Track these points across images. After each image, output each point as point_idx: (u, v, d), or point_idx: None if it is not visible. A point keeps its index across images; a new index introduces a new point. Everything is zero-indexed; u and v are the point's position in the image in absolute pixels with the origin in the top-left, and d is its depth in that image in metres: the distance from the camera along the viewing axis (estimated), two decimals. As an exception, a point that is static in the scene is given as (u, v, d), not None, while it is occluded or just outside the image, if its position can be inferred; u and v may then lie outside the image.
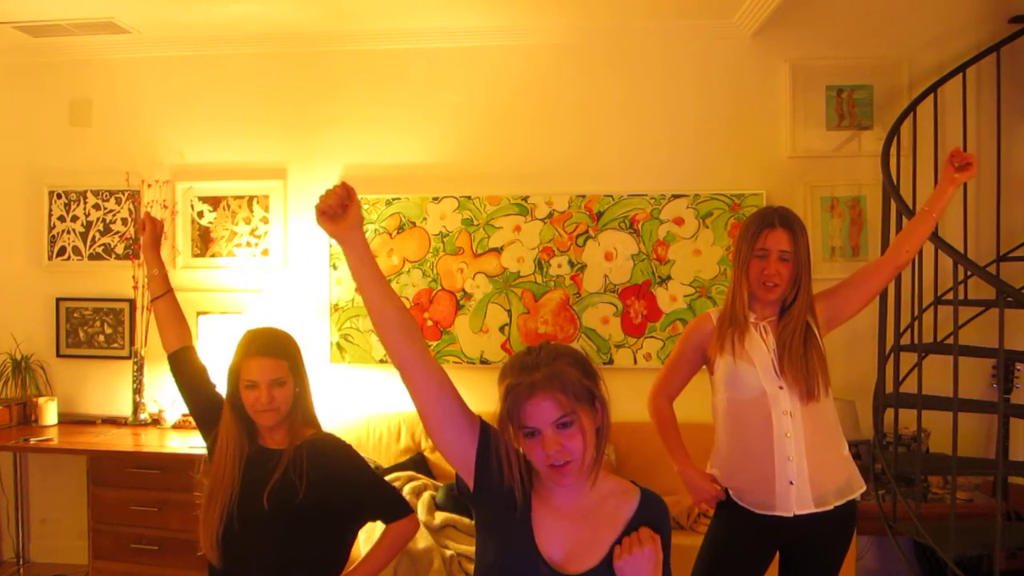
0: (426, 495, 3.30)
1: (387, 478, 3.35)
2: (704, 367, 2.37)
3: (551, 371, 1.45)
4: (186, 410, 3.89)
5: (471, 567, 2.91)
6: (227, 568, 1.96)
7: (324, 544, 2.00)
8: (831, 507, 2.17)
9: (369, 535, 3.04)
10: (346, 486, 1.98)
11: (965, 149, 3.48)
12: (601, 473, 1.55)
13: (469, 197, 3.87)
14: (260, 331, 2.06)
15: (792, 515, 2.16)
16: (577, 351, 1.55)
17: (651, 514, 1.54)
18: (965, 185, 3.49)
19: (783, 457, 2.15)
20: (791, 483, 2.15)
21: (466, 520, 3.13)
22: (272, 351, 1.99)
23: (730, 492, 2.26)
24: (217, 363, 3.72)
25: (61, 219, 4.14)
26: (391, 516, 2.03)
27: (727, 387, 2.25)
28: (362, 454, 3.64)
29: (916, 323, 3.25)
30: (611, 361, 3.79)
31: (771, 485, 2.17)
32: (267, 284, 4.01)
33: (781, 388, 2.18)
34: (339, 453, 2.03)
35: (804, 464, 2.15)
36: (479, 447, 1.52)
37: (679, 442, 2.38)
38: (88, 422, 4.01)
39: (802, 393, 2.17)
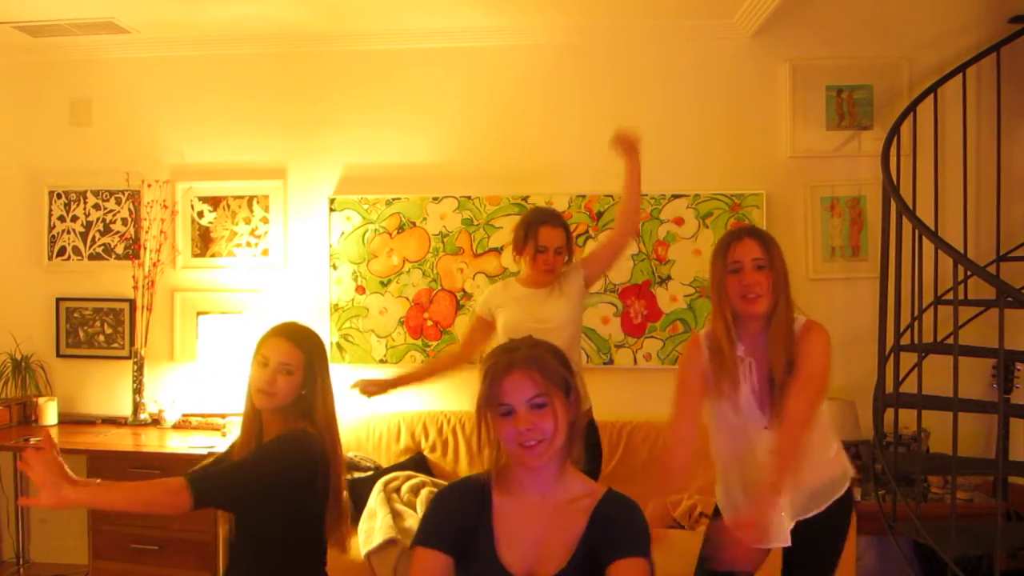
0: (424, 492, 3.30)
1: (386, 477, 3.36)
2: None
3: (530, 353, 1.53)
4: (186, 410, 3.93)
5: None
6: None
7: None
8: (812, 513, 2.16)
9: (368, 535, 3.05)
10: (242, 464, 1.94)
11: (965, 149, 3.49)
12: (571, 472, 1.59)
13: (469, 197, 3.87)
14: (292, 322, 2.05)
15: (788, 544, 2.14)
16: (556, 346, 1.61)
17: (611, 511, 1.54)
18: (965, 185, 3.50)
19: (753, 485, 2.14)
20: (782, 514, 2.13)
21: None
22: (293, 338, 1.97)
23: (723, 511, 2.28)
24: (216, 362, 3.74)
25: (61, 219, 4.14)
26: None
27: (717, 425, 2.23)
28: (361, 454, 3.67)
29: (916, 323, 3.25)
30: (611, 361, 3.79)
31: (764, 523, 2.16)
32: (267, 284, 4.01)
33: (766, 428, 2.13)
34: (277, 438, 1.94)
35: (788, 495, 2.11)
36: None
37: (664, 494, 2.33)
38: (88, 422, 4.01)
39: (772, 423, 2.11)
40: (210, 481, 1.85)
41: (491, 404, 1.52)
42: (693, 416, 2.20)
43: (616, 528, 1.52)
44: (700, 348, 2.21)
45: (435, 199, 3.89)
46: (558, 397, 1.52)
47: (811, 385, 2.06)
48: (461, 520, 1.57)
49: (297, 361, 1.94)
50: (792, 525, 2.16)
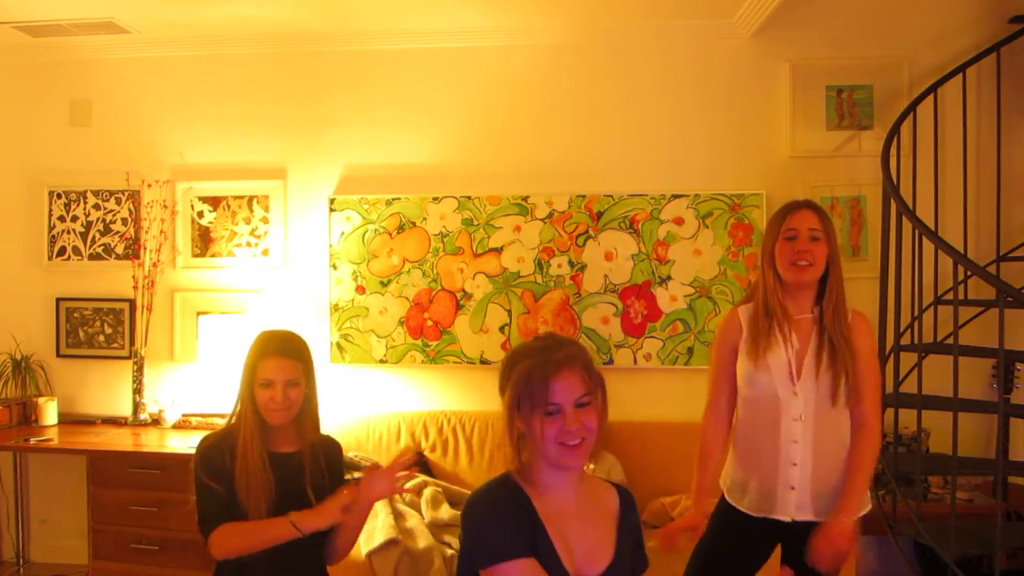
0: (428, 491, 3.30)
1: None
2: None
3: (572, 351, 1.52)
4: (186, 410, 3.93)
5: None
6: (268, 557, 1.96)
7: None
8: (823, 519, 2.14)
9: (369, 534, 3.05)
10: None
11: (965, 149, 3.49)
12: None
13: (469, 197, 3.87)
14: (278, 332, 2.10)
15: (790, 520, 2.15)
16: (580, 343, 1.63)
17: (629, 507, 1.65)
18: (965, 185, 3.50)
19: (787, 462, 2.14)
20: (792, 488, 2.14)
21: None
22: (289, 352, 2.04)
23: (726, 494, 2.29)
24: (216, 362, 3.75)
25: (61, 219, 4.14)
26: None
27: (743, 385, 2.24)
28: (361, 454, 3.68)
29: (916, 323, 3.25)
30: (611, 361, 3.79)
31: (772, 488, 2.17)
32: (267, 284, 4.01)
33: (795, 394, 2.14)
34: (340, 456, 2.17)
35: (809, 471, 2.14)
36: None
37: (705, 480, 2.26)
38: (88, 422, 4.01)
39: (826, 394, 2.12)
40: None
41: (537, 405, 1.48)
42: (729, 398, 2.29)
43: (638, 535, 1.64)
44: (735, 321, 2.26)
45: (435, 199, 3.89)
46: (597, 394, 1.53)
47: (876, 388, 2.16)
48: (520, 524, 1.50)
49: (299, 372, 2.04)
50: (806, 514, 2.15)
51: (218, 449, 2.02)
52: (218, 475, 1.98)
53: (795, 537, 2.17)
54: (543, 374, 1.47)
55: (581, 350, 1.54)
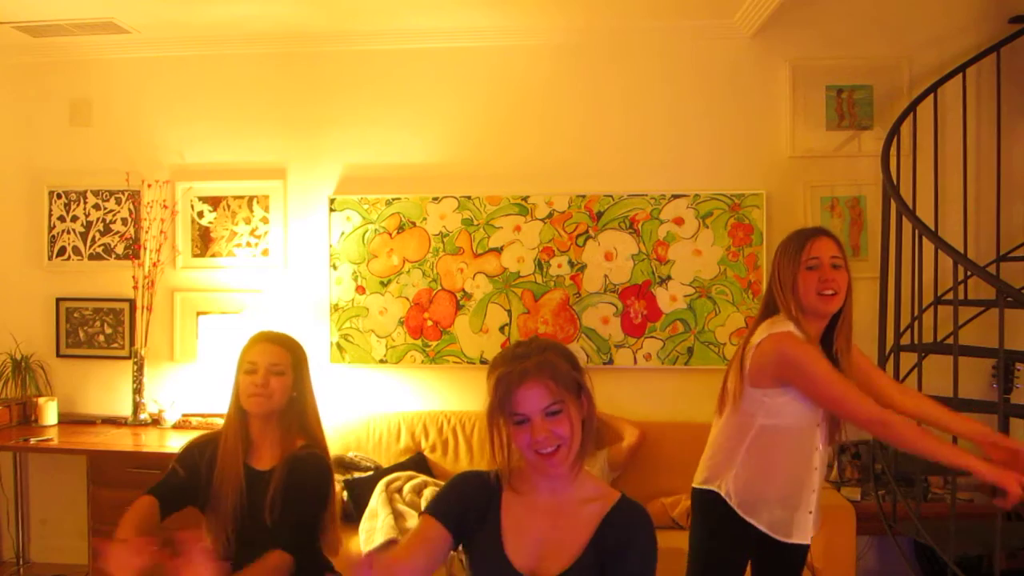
0: (428, 491, 3.30)
1: (388, 478, 3.36)
2: (757, 383, 2.14)
3: (542, 360, 1.50)
4: (186, 410, 3.93)
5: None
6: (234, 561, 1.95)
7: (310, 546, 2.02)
8: (812, 535, 2.25)
9: (369, 535, 3.05)
10: (295, 507, 1.94)
11: (965, 149, 3.49)
12: (584, 473, 1.59)
13: (469, 197, 3.87)
14: (270, 330, 2.10)
15: (808, 542, 2.21)
16: (564, 345, 1.60)
17: (624, 519, 1.54)
18: (965, 185, 3.50)
19: (810, 490, 2.19)
20: (810, 512, 2.20)
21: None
22: (277, 340, 2.03)
23: (737, 508, 2.19)
24: (216, 362, 3.74)
25: (61, 219, 4.14)
26: (290, 549, 1.91)
27: (777, 415, 2.13)
28: (361, 454, 3.66)
29: (916, 323, 3.25)
30: (611, 361, 3.79)
31: (793, 514, 2.18)
32: (267, 284, 4.01)
33: (818, 425, 2.18)
34: (319, 479, 1.99)
35: (818, 495, 2.22)
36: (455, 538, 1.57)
37: (949, 445, 2.11)
38: (88, 422, 4.00)
39: (831, 430, 2.19)
40: (299, 540, 1.92)
41: (505, 414, 1.50)
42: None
43: (627, 543, 1.51)
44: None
45: (435, 199, 3.89)
46: (571, 400, 1.51)
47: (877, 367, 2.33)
48: (470, 506, 1.57)
49: (286, 361, 2.00)
50: (812, 531, 2.22)
51: (200, 447, 2.03)
52: (186, 466, 2.00)
53: (774, 548, 2.22)
54: (507, 384, 1.49)
55: (554, 357, 1.51)
